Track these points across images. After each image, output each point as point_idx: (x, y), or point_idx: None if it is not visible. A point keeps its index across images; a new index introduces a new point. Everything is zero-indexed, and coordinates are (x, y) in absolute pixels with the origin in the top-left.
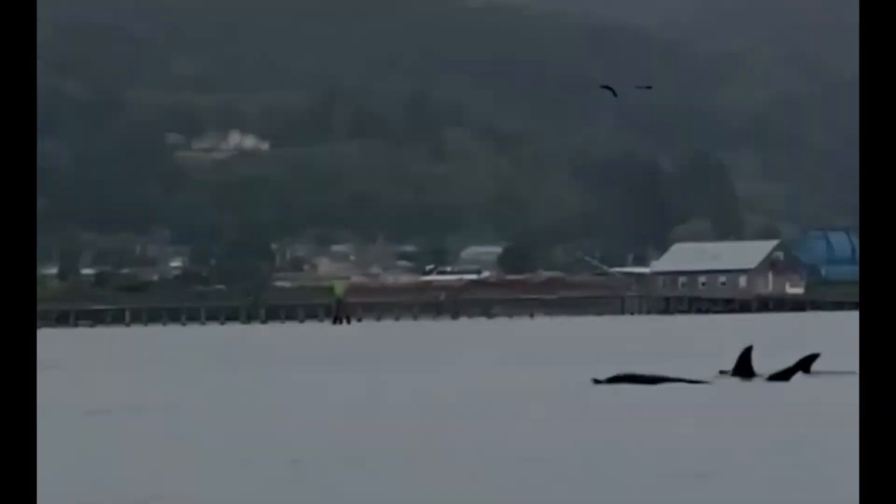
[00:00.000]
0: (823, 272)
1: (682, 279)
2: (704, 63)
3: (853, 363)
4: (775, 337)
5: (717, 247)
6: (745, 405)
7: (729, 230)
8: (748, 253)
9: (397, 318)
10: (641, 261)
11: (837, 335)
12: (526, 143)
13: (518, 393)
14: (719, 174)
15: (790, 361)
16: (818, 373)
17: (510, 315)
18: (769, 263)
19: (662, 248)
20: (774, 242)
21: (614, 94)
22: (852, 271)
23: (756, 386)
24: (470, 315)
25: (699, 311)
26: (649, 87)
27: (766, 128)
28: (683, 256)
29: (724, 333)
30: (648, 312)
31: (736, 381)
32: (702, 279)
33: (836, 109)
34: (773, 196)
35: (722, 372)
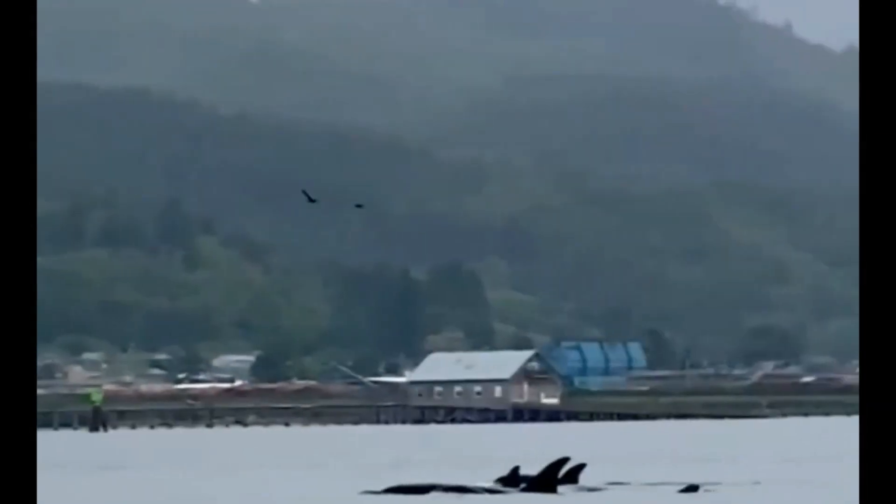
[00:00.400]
0: (577, 383)
1: (437, 389)
2: (457, 170)
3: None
4: (539, 446)
5: (472, 356)
6: None
7: (481, 340)
8: (503, 363)
9: (152, 427)
10: (394, 370)
11: (600, 445)
12: (277, 251)
13: None
14: (472, 283)
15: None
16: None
17: (265, 423)
18: (524, 373)
19: (415, 357)
20: (529, 353)
21: (310, 199)
22: (606, 382)
23: (551, 499)
24: (225, 423)
25: (455, 420)
26: (360, 206)
27: (516, 236)
28: (439, 366)
29: (482, 443)
30: (404, 422)
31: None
32: (458, 389)
33: (586, 218)
34: (524, 306)
35: (499, 479)
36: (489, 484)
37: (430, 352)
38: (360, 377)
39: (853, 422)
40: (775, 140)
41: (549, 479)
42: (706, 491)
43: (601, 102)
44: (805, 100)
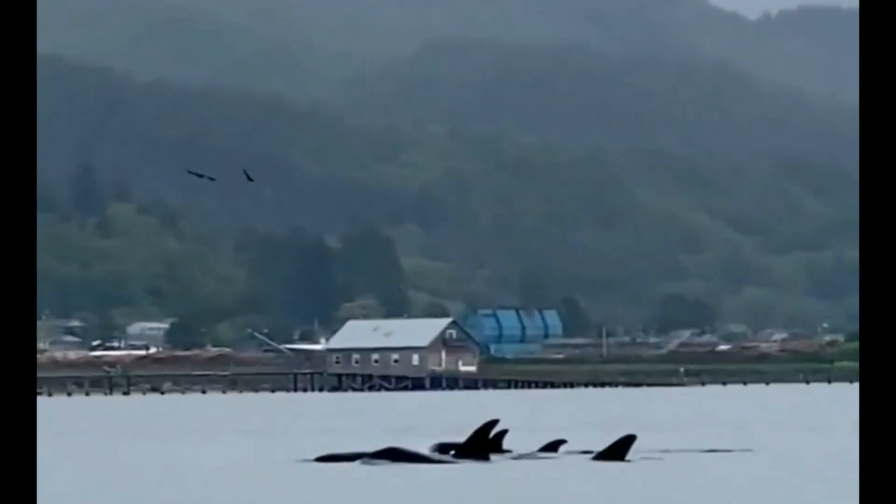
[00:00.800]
0: (493, 350)
1: (355, 356)
2: (371, 137)
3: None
4: (459, 414)
5: (389, 324)
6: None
7: (396, 307)
8: (421, 331)
9: (69, 394)
10: (309, 337)
11: (519, 413)
12: (191, 218)
13: (241, 471)
14: (386, 251)
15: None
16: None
17: (182, 391)
18: (442, 341)
19: (329, 324)
20: (447, 321)
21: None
22: (522, 350)
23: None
24: (142, 391)
25: (372, 388)
26: (251, 179)
27: (430, 204)
28: (357, 334)
29: (403, 411)
30: (321, 389)
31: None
32: (375, 356)
33: (500, 186)
34: (438, 273)
35: (442, 444)
36: (425, 450)
37: (345, 319)
38: (275, 344)
39: (771, 390)
40: (690, 108)
41: (480, 443)
42: (630, 461)
43: (515, 70)
44: (719, 67)
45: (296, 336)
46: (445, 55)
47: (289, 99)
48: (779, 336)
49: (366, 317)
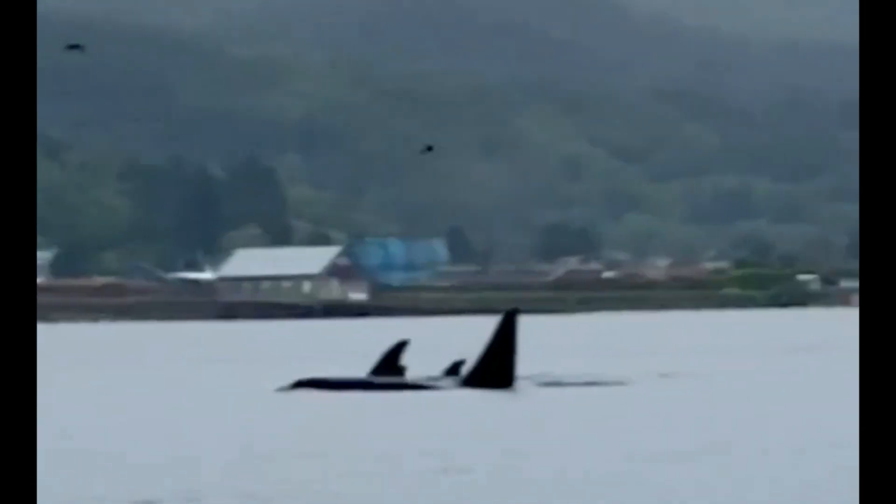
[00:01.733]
0: (381, 279)
1: (245, 285)
2: (251, 67)
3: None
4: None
5: (279, 252)
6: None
7: (280, 237)
8: (311, 259)
9: None
10: (194, 266)
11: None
12: (73, 148)
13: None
14: (269, 180)
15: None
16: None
17: (73, 320)
18: (333, 269)
19: (214, 254)
20: (337, 249)
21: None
22: (409, 278)
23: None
24: None
25: (263, 316)
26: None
27: (312, 133)
28: (247, 262)
29: (307, 339)
30: (213, 318)
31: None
32: (266, 285)
33: (382, 115)
34: (321, 202)
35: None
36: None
37: (229, 249)
38: (161, 273)
39: (662, 316)
40: (568, 36)
41: (392, 363)
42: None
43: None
44: None
45: (180, 265)
46: None
47: (169, 28)
48: (662, 263)
49: (250, 246)
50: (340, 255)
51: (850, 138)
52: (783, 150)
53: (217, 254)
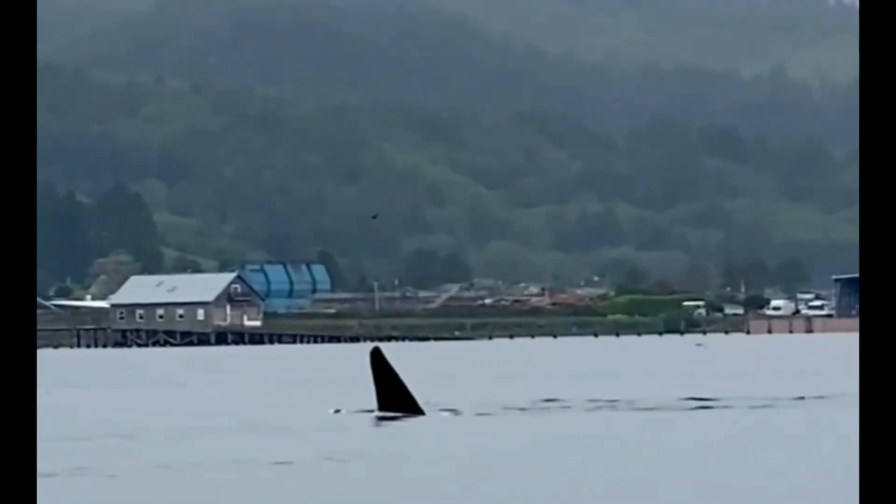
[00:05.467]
0: (263, 305)
1: (139, 312)
2: (111, 93)
3: None
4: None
5: (174, 279)
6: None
7: (149, 263)
8: (205, 286)
9: None
10: (66, 293)
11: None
12: None
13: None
14: (136, 206)
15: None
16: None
17: None
18: (226, 297)
19: (83, 280)
20: (232, 276)
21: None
22: (291, 304)
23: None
24: None
25: (157, 343)
26: None
27: (173, 159)
28: (141, 289)
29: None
30: (105, 345)
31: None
32: (160, 312)
33: (243, 141)
34: (186, 229)
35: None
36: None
37: (98, 275)
38: (41, 300)
39: (543, 343)
40: (430, 61)
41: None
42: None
43: (253, 23)
44: (458, 21)
45: (51, 292)
46: (183, 9)
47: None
48: (534, 289)
49: (119, 272)
50: (235, 281)
51: (712, 164)
52: (645, 175)
53: (86, 280)
